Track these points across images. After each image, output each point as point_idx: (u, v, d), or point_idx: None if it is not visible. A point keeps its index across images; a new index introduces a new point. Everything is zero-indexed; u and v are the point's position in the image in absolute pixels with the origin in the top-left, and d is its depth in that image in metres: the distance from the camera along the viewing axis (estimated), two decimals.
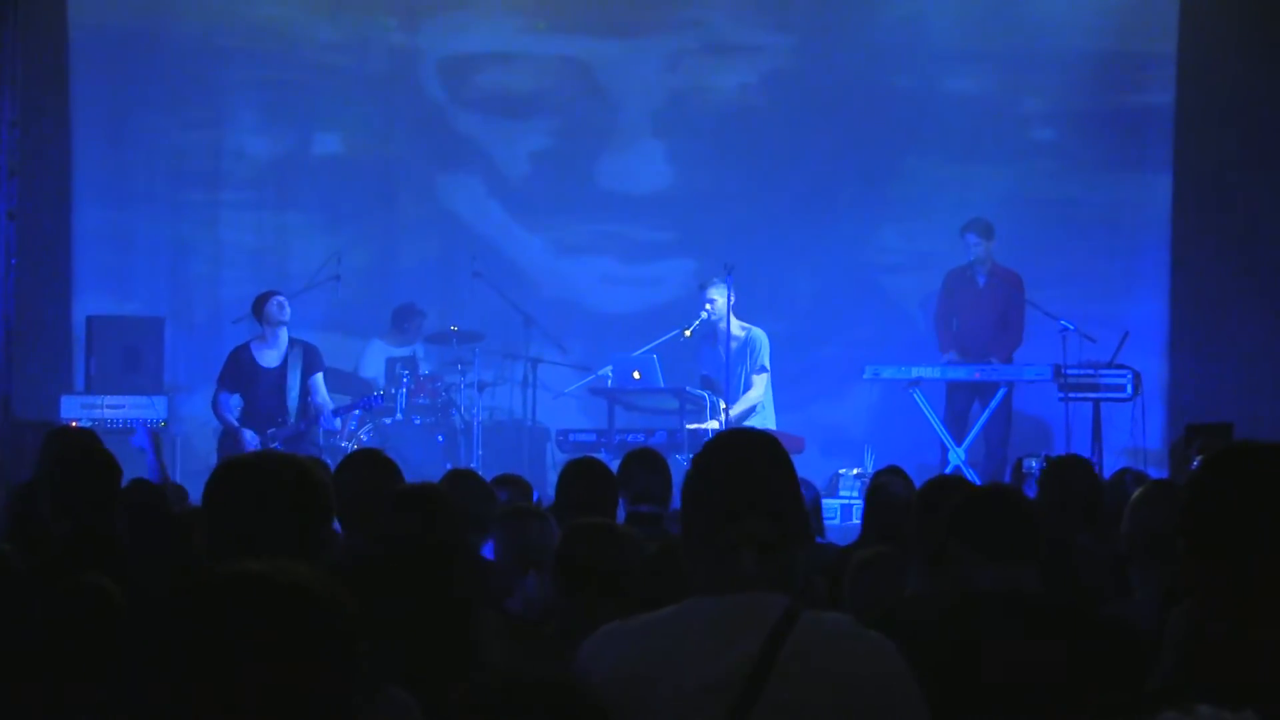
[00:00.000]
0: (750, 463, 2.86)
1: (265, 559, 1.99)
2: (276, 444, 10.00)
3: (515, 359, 12.10)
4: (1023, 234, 12.38)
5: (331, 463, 7.60)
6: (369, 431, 11.33)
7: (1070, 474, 6.11)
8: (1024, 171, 12.96)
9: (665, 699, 2.71)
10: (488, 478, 6.17)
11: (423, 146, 13.29)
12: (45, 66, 12.20)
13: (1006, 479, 9.28)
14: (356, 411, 11.02)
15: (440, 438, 11.72)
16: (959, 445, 11.05)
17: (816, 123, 13.02)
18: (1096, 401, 11.05)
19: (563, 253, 13.30)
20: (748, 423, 10.66)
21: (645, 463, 6.13)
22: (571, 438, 11.13)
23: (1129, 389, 10.99)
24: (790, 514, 2.84)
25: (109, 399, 11.36)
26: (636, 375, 11.09)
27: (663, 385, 11.03)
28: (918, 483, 6.26)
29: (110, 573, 3.27)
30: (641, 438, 10.48)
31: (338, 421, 10.70)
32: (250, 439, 10.12)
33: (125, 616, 3.01)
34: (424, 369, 12.18)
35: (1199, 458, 5.93)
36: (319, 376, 10.44)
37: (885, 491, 6.12)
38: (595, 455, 7.23)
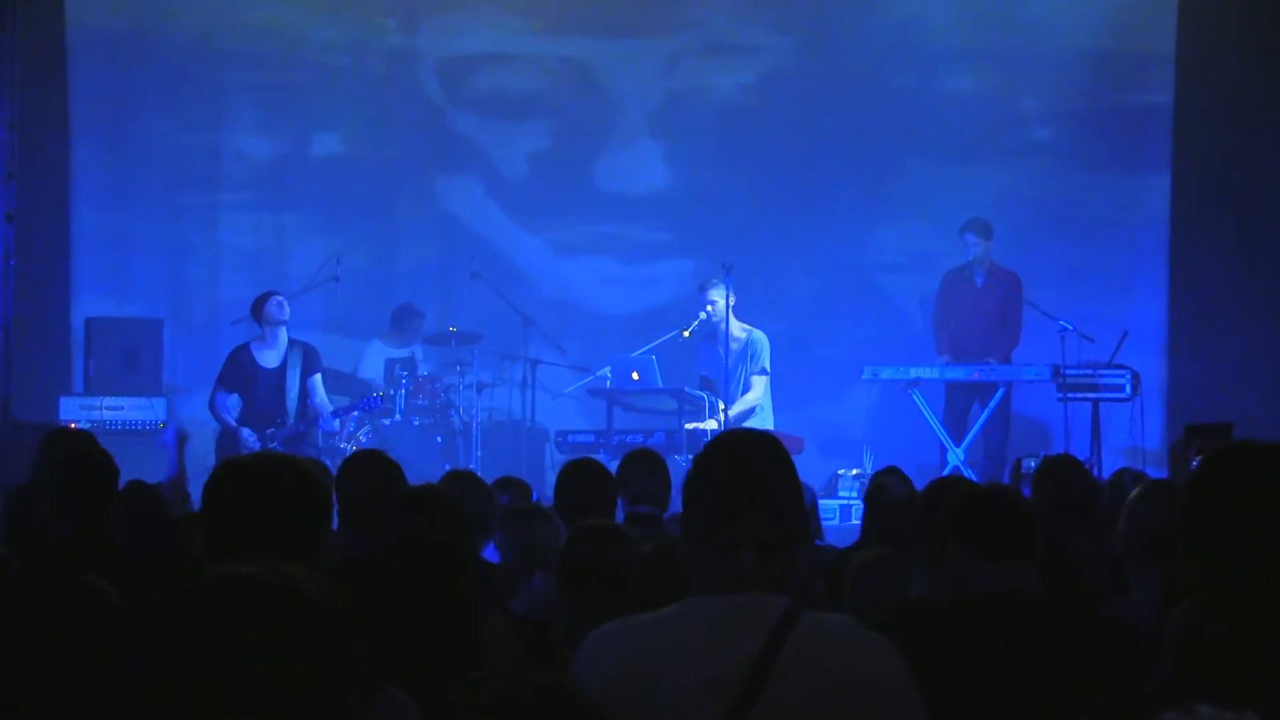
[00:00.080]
0: (751, 463, 2.86)
1: (258, 560, 1.99)
2: (275, 444, 10.00)
3: (514, 360, 12.09)
4: (1021, 234, 12.39)
5: (330, 463, 7.61)
6: (368, 433, 11.32)
7: (1063, 474, 6.11)
8: (1022, 171, 12.97)
9: (665, 698, 2.71)
10: (487, 479, 6.16)
11: (421, 147, 13.28)
12: (44, 68, 12.21)
13: (1005, 479, 9.27)
14: (355, 413, 11.02)
15: (439, 439, 11.71)
16: (958, 446, 11.05)
17: (815, 123, 13.02)
18: (1095, 402, 11.04)
19: (561, 253, 13.30)
20: (746, 424, 10.66)
21: (644, 463, 6.13)
22: (570, 439, 11.13)
23: (1128, 389, 10.99)
24: (791, 514, 2.84)
25: (108, 400, 11.36)
26: (635, 376, 11.09)
27: (661, 386, 11.03)
28: (917, 483, 6.26)
29: (108, 574, 3.27)
30: (640, 438, 10.48)
31: (336, 422, 10.70)
32: (248, 436, 10.12)
33: (123, 618, 3.01)
34: (423, 370, 12.18)
35: (1198, 458, 5.93)
36: (318, 377, 10.44)
37: (884, 492, 6.12)
38: (594, 456, 7.22)
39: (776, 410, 11.29)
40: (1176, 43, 12.60)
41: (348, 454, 10.18)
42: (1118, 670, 3.49)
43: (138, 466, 7.69)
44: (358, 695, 1.97)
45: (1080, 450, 10.67)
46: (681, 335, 11.06)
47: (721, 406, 10.70)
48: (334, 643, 1.95)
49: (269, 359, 10.38)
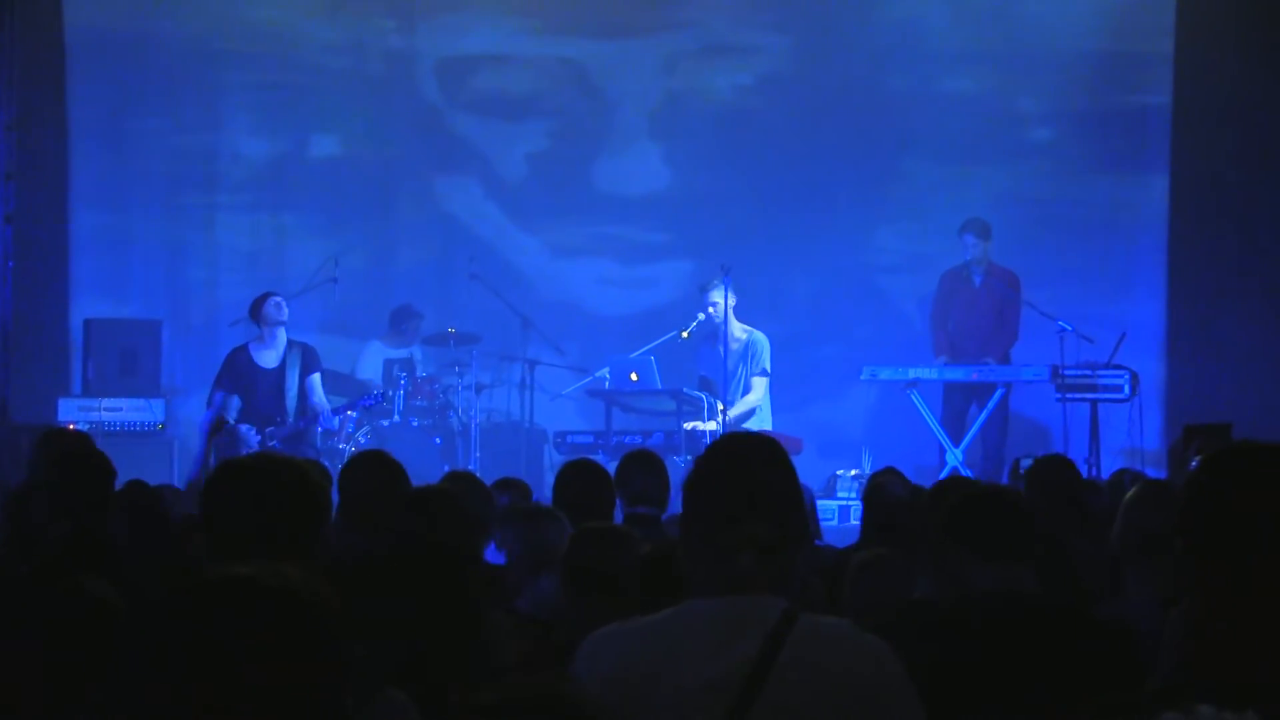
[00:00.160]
0: (751, 466, 2.86)
1: (256, 561, 2.00)
2: (274, 443, 10.00)
3: (513, 361, 12.09)
4: (1020, 234, 12.38)
5: (329, 463, 7.61)
6: (366, 433, 11.31)
7: (1054, 474, 6.11)
8: (1021, 172, 12.97)
9: (664, 700, 2.71)
10: (485, 480, 6.16)
11: (420, 149, 13.28)
12: (42, 69, 12.21)
13: (1004, 480, 9.27)
14: (354, 412, 11.00)
15: (437, 439, 11.71)
16: (956, 446, 11.05)
17: (814, 124, 13.02)
18: (1094, 402, 11.04)
19: (560, 254, 13.30)
20: (745, 425, 10.66)
21: (642, 464, 6.13)
22: (569, 439, 11.12)
23: (1126, 389, 10.98)
24: (790, 517, 2.85)
25: (106, 402, 11.36)
26: (634, 377, 11.08)
27: (660, 387, 11.02)
28: (915, 484, 6.27)
29: (106, 575, 3.27)
30: (639, 439, 10.47)
31: (336, 422, 10.69)
32: (248, 432, 10.11)
33: (122, 619, 3.01)
34: (421, 371, 12.17)
35: (1197, 458, 5.93)
36: (316, 376, 10.44)
37: (883, 492, 6.12)
38: (592, 457, 7.22)
39: (775, 411, 11.29)
40: (1175, 43, 12.60)
41: (347, 454, 10.23)
42: (1117, 670, 3.49)
43: (136, 468, 7.69)
44: (356, 695, 1.97)
45: (1079, 451, 10.67)
46: (680, 336, 11.05)
47: (720, 407, 10.70)
48: (332, 643, 1.95)
49: (267, 360, 10.37)
